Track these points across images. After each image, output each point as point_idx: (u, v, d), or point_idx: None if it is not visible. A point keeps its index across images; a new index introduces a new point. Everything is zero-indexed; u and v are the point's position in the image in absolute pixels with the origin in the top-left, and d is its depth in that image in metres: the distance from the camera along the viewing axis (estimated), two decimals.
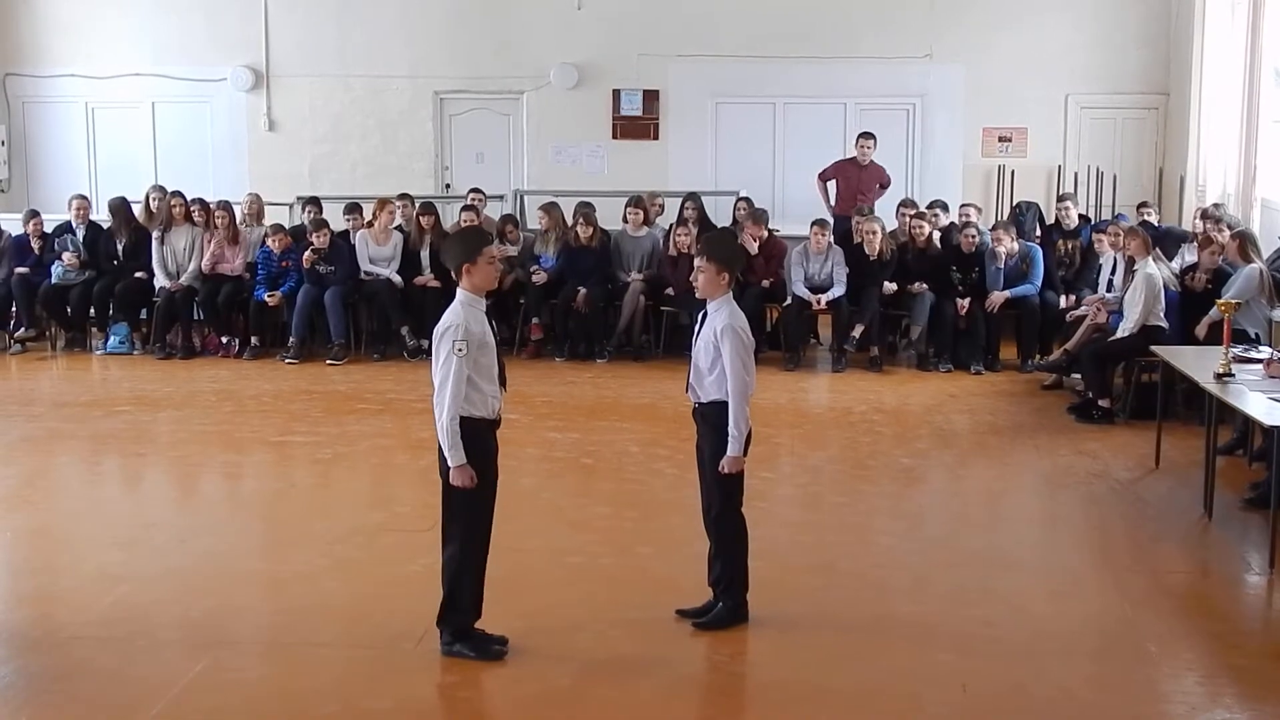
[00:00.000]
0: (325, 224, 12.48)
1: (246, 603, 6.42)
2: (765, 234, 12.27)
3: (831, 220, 12.92)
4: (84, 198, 13.37)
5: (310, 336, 12.48)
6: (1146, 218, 12.65)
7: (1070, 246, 12.25)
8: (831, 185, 13.82)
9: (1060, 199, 12.99)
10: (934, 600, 6.39)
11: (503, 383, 5.63)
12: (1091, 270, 11.97)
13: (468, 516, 5.55)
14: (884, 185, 13.79)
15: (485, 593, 5.67)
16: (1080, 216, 12.89)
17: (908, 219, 12.46)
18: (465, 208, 12.85)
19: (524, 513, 7.54)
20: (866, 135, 13.79)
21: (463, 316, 5.45)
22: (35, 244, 12.92)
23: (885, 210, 13.10)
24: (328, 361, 12.06)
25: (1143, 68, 15.18)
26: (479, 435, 5.48)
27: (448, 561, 5.61)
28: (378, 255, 12.50)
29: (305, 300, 12.21)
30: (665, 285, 12.26)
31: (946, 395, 10.95)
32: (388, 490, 8.48)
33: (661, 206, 13.34)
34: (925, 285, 11.91)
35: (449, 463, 5.44)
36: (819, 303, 11.92)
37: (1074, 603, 6.40)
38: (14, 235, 13.13)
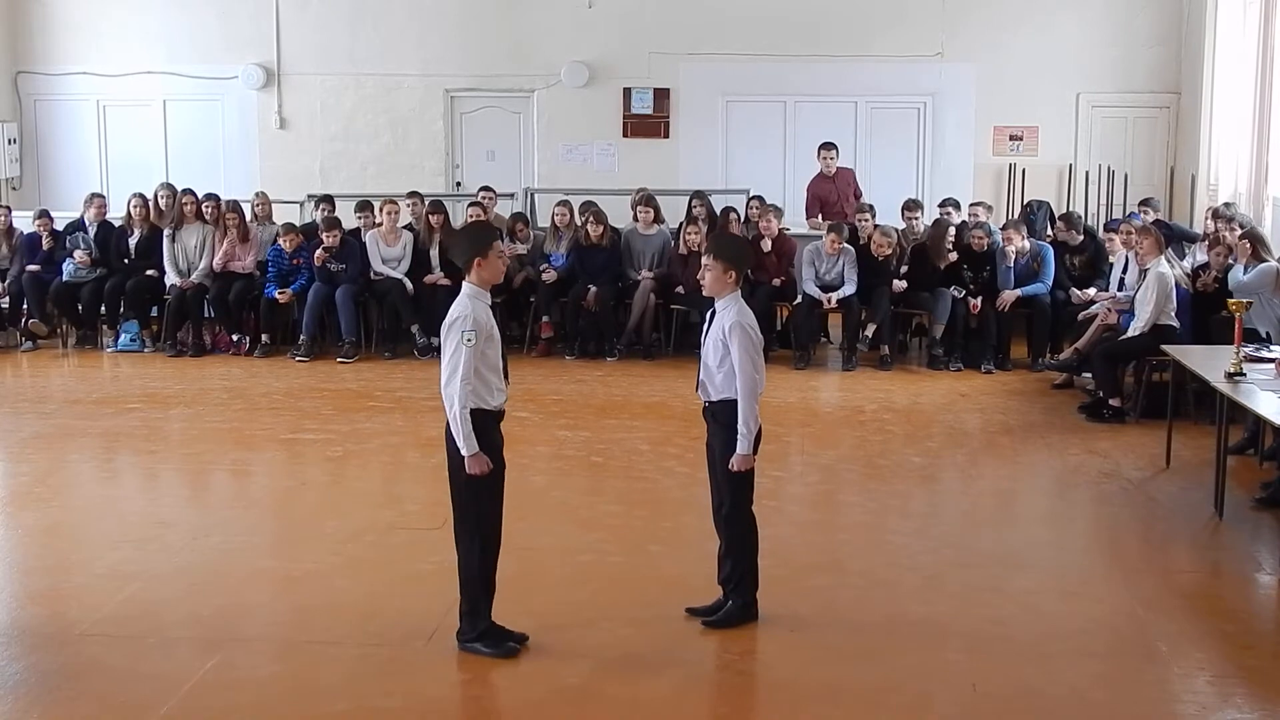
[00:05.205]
0: (338, 222, 12.49)
1: (257, 600, 6.43)
2: (776, 230, 12.22)
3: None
4: (101, 196, 13.40)
5: (321, 334, 12.49)
6: (1147, 214, 12.59)
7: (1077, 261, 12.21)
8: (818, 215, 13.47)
9: (1062, 216, 12.82)
10: (944, 599, 6.39)
11: (505, 376, 5.67)
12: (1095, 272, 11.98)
13: (478, 510, 5.58)
14: (858, 196, 13.43)
15: (497, 590, 5.68)
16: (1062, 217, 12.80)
17: (913, 221, 12.44)
18: (472, 204, 12.88)
19: (534, 511, 7.55)
20: (827, 145, 13.49)
21: (470, 308, 5.50)
22: (45, 242, 12.95)
23: (892, 213, 12.94)
24: (338, 359, 12.07)
25: (1154, 67, 15.13)
26: (486, 427, 5.54)
27: (465, 560, 5.64)
28: (388, 255, 12.51)
29: (316, 298, 12.23)
30: (675, 283, 12.25)
31: (957, 394, 10.93)
32: (399, 488, 8.50)
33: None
34: (954, 287, 11.81)
35: (463, 452, 5.48)
36: (829, 301, 11.91)
37: (1084, 602, 6.40)
38: (27, 233, 13.16)
